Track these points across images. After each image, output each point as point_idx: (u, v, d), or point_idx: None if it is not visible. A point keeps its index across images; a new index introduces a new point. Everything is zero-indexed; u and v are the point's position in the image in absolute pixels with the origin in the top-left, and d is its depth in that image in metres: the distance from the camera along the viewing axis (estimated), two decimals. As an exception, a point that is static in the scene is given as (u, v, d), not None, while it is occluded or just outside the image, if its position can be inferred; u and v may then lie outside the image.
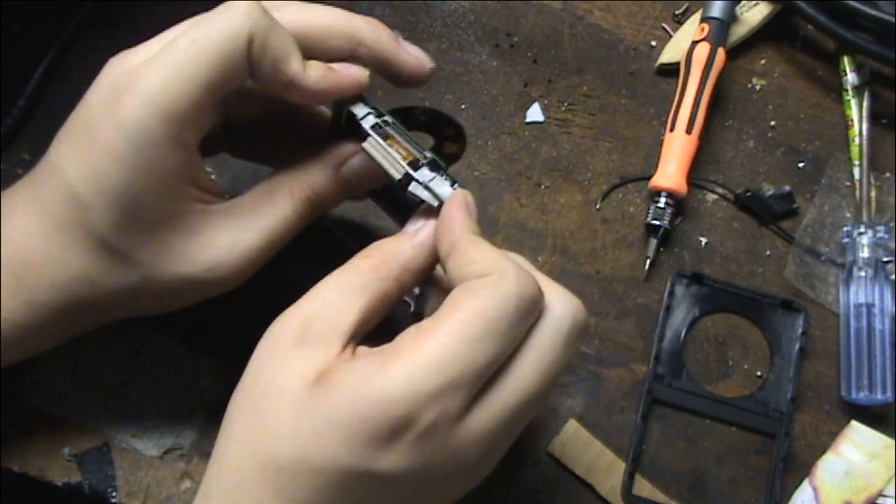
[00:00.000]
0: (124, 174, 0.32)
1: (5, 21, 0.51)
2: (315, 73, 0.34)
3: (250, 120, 0.40)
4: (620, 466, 0.44)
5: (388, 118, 0.36)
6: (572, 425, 0.45)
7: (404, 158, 0.34)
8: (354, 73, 0.35)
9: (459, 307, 0.29)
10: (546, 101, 0.52)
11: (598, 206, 0.50)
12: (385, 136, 0.35)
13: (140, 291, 0.34)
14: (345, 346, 0.30)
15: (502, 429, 0.30)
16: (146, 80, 0.31)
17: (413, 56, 0.37)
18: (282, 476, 0.28)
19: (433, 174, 0.34)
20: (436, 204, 0.34)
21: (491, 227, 0.49)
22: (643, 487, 0.44)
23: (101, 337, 0.44)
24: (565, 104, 0.52)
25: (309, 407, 0.28)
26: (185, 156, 0.33)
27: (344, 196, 0.38)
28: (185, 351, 0.44)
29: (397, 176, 0.34)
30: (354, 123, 0.36)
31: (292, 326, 0.31)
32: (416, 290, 0.38)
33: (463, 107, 0.52)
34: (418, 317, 0.44)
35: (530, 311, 0.30)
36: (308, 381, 0.29)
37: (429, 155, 0.35)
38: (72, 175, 0.32)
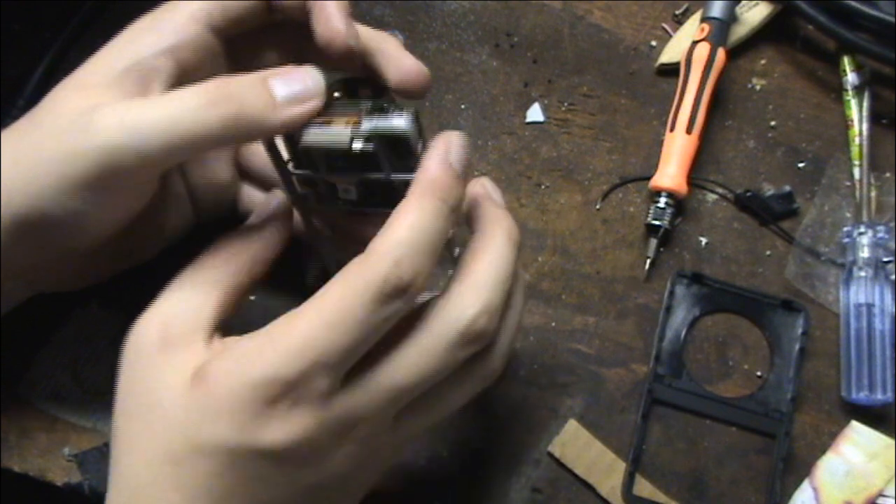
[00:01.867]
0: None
1: (5, 21, 0.51)
2: None
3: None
4: (620, 466, 0.44)
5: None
6: (572, 425, 0.45)
7: (347, 124, 0.33)
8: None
9: (327, 290, 0.30)
10: (546, 101, 0.52)
11: (598, 206, 0.50)
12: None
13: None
14: (208, 341, 0.31)
15: (377, 409, 0.31)
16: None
17: (412, 60, 0.37)
18: (179, 469, 0.29)
19: (374, 118, 0.32)
20: (402, 136, 0.32)
21: (491, 227, 0.49)
22: (643, 487, 0.44)
23: (102, 337, 0.44)
24: (565, 104, 0.52)
25: (193, 400, 0.29)
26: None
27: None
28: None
29: (346, 142, 0.32)
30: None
31: (151, 332, 0.31)
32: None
33: (463, 107, 0.52)
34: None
35: (394, 298, 0.29)
36: (185, 381, 0.30)
37: (367, 103, 0.33)
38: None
